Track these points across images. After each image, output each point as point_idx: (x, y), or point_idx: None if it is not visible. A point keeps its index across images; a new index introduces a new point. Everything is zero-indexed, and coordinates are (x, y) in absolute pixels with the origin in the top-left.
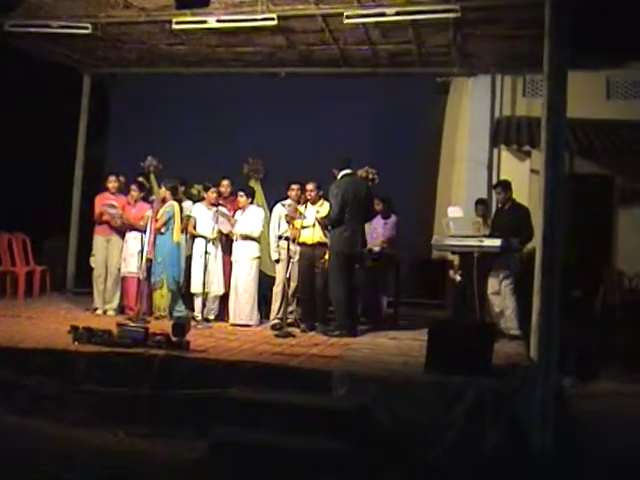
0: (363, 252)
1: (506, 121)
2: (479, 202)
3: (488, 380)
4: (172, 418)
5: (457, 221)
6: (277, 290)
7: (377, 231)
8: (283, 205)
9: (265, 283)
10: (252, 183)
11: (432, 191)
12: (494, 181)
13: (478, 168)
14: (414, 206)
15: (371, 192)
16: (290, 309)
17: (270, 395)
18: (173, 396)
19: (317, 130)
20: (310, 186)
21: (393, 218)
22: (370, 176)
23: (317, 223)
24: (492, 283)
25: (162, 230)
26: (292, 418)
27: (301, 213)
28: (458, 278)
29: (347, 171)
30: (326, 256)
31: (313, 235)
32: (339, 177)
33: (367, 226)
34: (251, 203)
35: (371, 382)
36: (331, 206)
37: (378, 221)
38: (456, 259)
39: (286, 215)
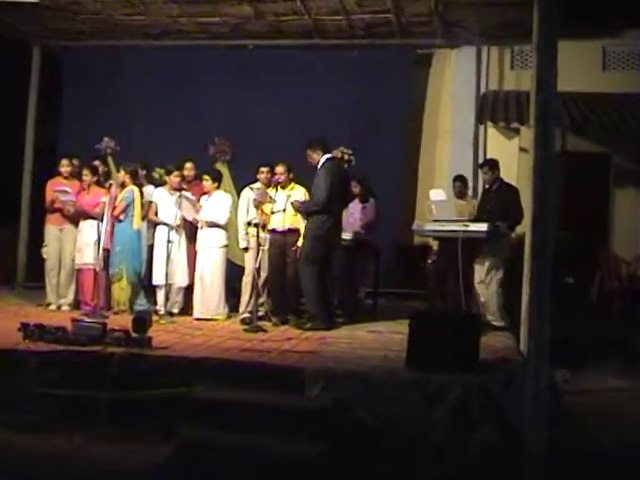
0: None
1: (493, 95)
2: (457, 179)
3: (474, 376)
4: (134, 420)
5: (440, 204)
6: (246, 281)
7: (354, 216)
8: (251, 189)
9: (233, 273)
10: (219, 166)
11: (413, 172)
12: (480, 160)
13: (463, 146)
14: (394, 188)
15: (348, 175)
16: (261, 301)
17: (239, 394)
18: (134, 397)
19: (289, 107)
20: (280, 168)
21: (371, 202)
22: (346, 157)
23: (292, 207)
24: (479, 271)
25: (120, 217)
26: (263, 418)
27: (271, 198)
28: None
29: (329, 155)
30: (298, 243)
31: (284, 221)
32: (322, 161)
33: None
34: (217, 187)
35: (347, 379)
36: (311, 191)
37: (355, 205)
38: (435, 245)
39: (254, 200)
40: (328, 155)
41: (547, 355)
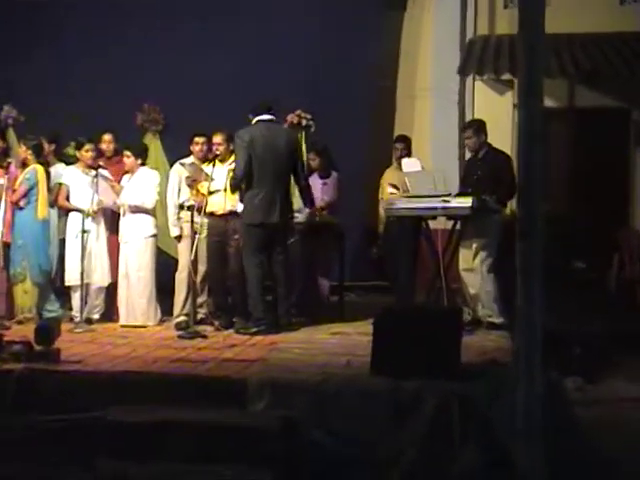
0: (288, 223)
1: (482, 42)
2: (398, 139)
3: (454, 383)
4: (42, 451)
5: (416, 177)
6: (181, 277)
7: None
8: (182, 165)
9: (166, 268)
10: (148, 138)
11: (386, 139)
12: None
13: (446, 106)
14: (362, 160)
15: (298, 142)
16: (200, 301)
17: (168, 414)
18: (38, 423)
19: (232, 62)
20: (218, 138)
21: (334, 176)
22: (303, 122)
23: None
24: (464, 256)
25: (21, 204)
26: (199, 442)
27: (207, 175)
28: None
29: (264, 117)
30: None
31: (225, 202)
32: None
33: None
34: (142, 164)
35: (299, 391)
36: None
37: (314, 181)
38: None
39: (187, 177)
40: (260, 117)
41: (539, 356)
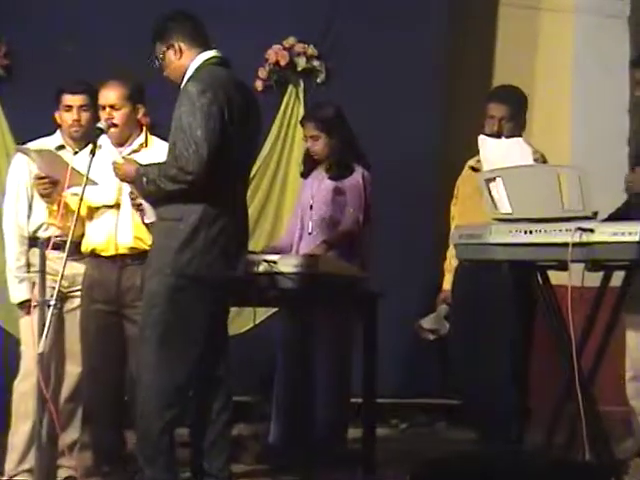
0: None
1: None
2: (496, 98)
3: None
4: None
5: (516, 178)
6: (22, 390)
7: (314, 213)
8: (28, 153)
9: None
10: None
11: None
12: None
13: (606, 28)
14: (418, 147)
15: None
16: (65, 441)
17: None
18: None
19: None
20: (111, 95)
21: (358, 176)
22: (301, 63)
23: (132, 198)
24: (633, 349)
25: None
26: None
27: (76, 171)
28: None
29: (213, 53)
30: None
31: (116, 232)
32: (197, 67)
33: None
34: None
35: None
36: (174, 145)
37: (318, 184)
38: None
39: (37, 180)
40: (208, 54)
41: None
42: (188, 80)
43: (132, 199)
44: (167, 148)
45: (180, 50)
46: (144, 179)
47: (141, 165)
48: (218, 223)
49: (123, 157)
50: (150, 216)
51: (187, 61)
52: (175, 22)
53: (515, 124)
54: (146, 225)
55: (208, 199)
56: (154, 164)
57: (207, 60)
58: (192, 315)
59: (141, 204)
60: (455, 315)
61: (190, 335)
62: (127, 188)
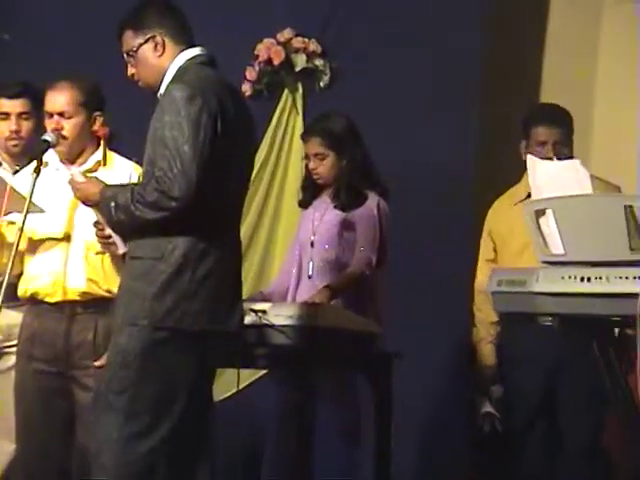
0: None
1: None
2: (546, 116)
3: None
4: None
5: (570, 208)
6: None
7: (316, 253)
8: None
9: None
10: None
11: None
12: None
13: None
14: (444, 172)
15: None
16: None
17: None
18: None
19: None
20: (60, 100)
21: (373, 205)
22: (299, 61)
23: (98, 229)
24: None
25: None
26: None
27: (17, 193)
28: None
29: (197, 51)
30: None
31: (64, 272)
32: (179, 67)
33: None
34: None
35: None
36: (145, 158)
37: (321, 214)
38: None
39: None
40: (193, 51)
41: None
42: (171, 83)
43: (98, 230)
44: (139, 167)
45: (163, 45)
46: (112, 204)
47: (107, 185)
48: (207, 261)
49: (83, 174)
50: (122, 245)
51: (167, 60)
52: (158, 8)
53: (570, 149)
54: (122, 256)
55: (195, 231)
56: (124, 186)
57: (191, 59)
58: (171, 378)
59: (110, 236)
60: (510, 389)
61: (167, 405)
62: (80, 216)
